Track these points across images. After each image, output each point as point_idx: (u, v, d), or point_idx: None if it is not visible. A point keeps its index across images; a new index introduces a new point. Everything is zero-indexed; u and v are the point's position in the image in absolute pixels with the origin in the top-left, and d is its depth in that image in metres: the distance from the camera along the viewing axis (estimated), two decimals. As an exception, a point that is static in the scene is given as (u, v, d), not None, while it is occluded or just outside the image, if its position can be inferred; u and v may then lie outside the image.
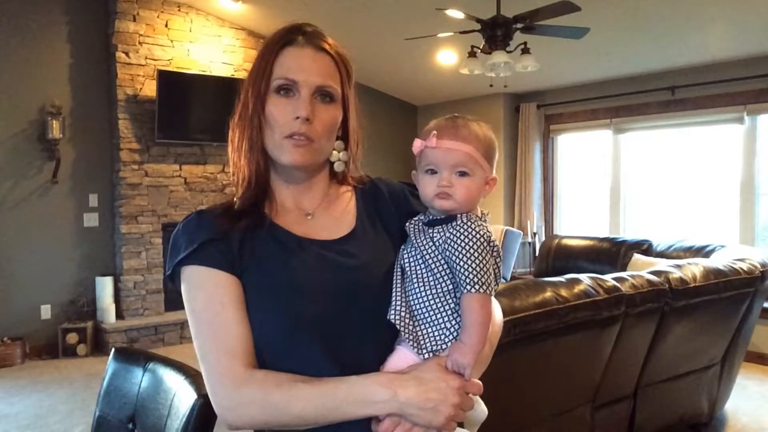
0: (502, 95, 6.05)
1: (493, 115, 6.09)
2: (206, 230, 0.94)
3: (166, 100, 4.90)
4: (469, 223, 0.93)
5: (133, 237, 5.01)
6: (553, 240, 4.78)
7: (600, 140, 5.75)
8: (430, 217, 0.99)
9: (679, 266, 2.65)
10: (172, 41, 5.11)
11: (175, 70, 5.06)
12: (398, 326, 0.91)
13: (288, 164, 0.97)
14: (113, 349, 1.51)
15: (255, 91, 0.96)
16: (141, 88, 4.97)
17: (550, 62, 4.84)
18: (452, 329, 0.91)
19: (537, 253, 5.31)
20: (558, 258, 4.56)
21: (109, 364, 1.46)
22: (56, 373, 4.32)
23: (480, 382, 0.91)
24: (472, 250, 0.90)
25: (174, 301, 5.05)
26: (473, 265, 0.89)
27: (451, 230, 0.93)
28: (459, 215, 0.95)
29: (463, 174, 0.95)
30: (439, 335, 0.91)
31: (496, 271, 0.94)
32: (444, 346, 0.91)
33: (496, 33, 3.53)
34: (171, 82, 4.95)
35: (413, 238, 0.97)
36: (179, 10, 5.13)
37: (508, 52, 3.59)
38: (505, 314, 1.77)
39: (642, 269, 2.71)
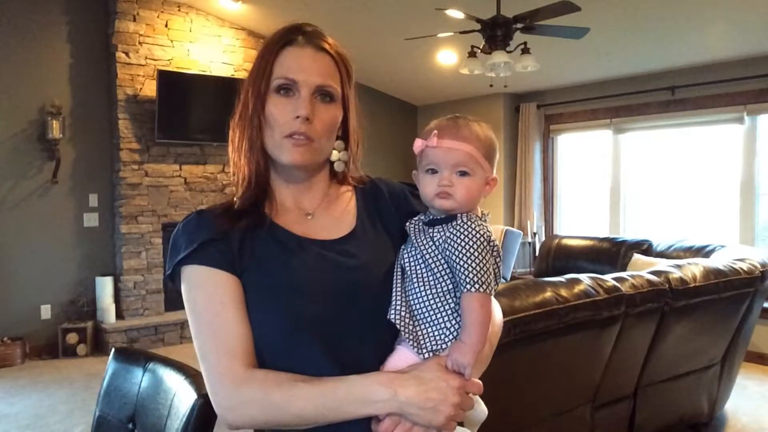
0: (502, 95, 6.05)
1: (493, 115, 6.09)
2: (206, 230, 0.94)
3: (166, 100, 4.90)
4: (469, 223, 0.93)
5: (133, 237, 5.01)
6: (553, 240, 4.78)
7: (600, 140, 5.75)
8: (431, 216, 0.99)
9: (679, 266, 2.65)
10: (172, 41, 5.11)
11: (175, 70, 5.06)
12: (398, 326, 0.91)
13: (288, 164, 0.97)
14: (113, 349, 1.51)
15: (255, 91, 0.96)
16: (141, 88, 4.97)
17: (550, 62, 4.85)
18: (452, 329, 0.91)
19: (537, 253, 5.31)
20: (558, 258, 4.56)
21: (109, 364, 1.46)
22: (56, 373, 4.32)
23: (480, 382, 0.91)
24: (472, 250, 0.90)
25: (174, 301, 5.05)
26: (473, 265, 0.89)
27: (451, 230, 0.93)
28: (459, 215, 0.95)
29: (463, 174, 0.95)
30: (439, 335, 0.91)
31: (496, 270, 0.94)
32: (444, 346, 0.91)
33: (496, 33, 3.53)
34: (171, 82, 4.95)
35: (413, 237, 0.98)
36: (179, 10, 5.13)
37: (508, 52, 3.59)
38: (505, 314, 1.77)
39: (642, 269, 2.71)
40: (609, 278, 2.30)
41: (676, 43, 4.54)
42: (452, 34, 3.95)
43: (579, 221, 6.06)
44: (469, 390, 0.89)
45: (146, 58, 4.98)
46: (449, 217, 0.95)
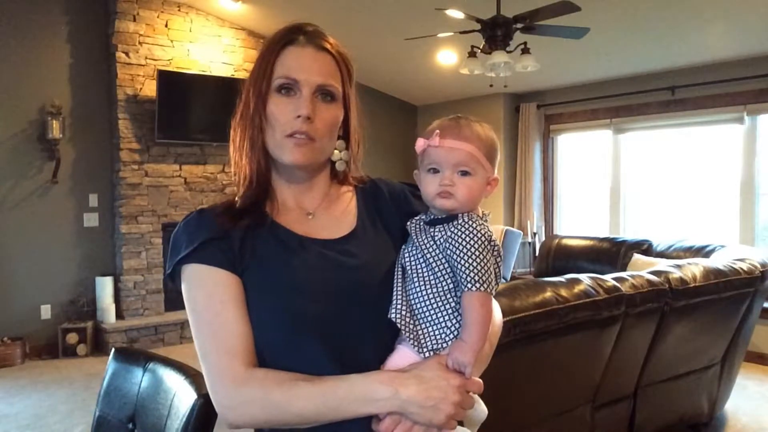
0: (502, 95, 6.05)
1: (493, 115, 6.09)
2: (207, 229, 0.94)
3: (166, 100, 4.90)
4: (470, 222, 0.93)
5: (133, 237, 5.01)
6: (553, 240, 4.78)
7: (600, 140, 5.75)
8: (432, 216, 0.99)
9: (679, 266, 2.65)
10: (172, 41, 5.11)
11: (175, 70, 5.06)
12: (399, 325, 0.91)
13: (289, 163, 0.97)
14: (113, 349, 1.51)
15: (256, 91, 0.96)
16: (141, 88, 4.97)
17: (550, 62, 4.85)
18: (453, 328, 0.91)
19: (537, 253, 5.31)
20: (558, 258, 4.56)
21: (109, 364, 1.46)
22: (56, 373, 4.32)
23: (480, 381, 0.92)
24: (473, 249, 0.90)
25: (174, 301, 5.06)
26: (474, 264, 0.90)
27: (452, 229, 0.93)
28: (460, 214, 0.95)
29: (465, 173, 0.96)
30: (440, 334, 0.91)
31: (497, 270, 0.94)
32: (444, 345, 0.91)
33: (496, 33, 3.53)
34: (171, 82, 4.95)
35: (414, 237, 0.98)
36: (179, 10, 5.13)
37: (508, 52, 3.59)
38: (505, 314, 1.77)
39: (642, 269, 2.71)
40: (609, 278, 2.30)
41: (676, 43, 4.54)
42: (452, 34, 3.96)
43: (579, 221, 6.06)
44: (469, 389, 0.89)
45: (146, 58, 4.98)
46: (450, 217, 0.96)
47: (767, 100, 4.52)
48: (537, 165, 6.04)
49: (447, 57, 5.31)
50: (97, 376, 4.07)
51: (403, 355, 0.92)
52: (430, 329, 0.92)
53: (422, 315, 0.92)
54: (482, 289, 0.89)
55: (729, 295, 2.70)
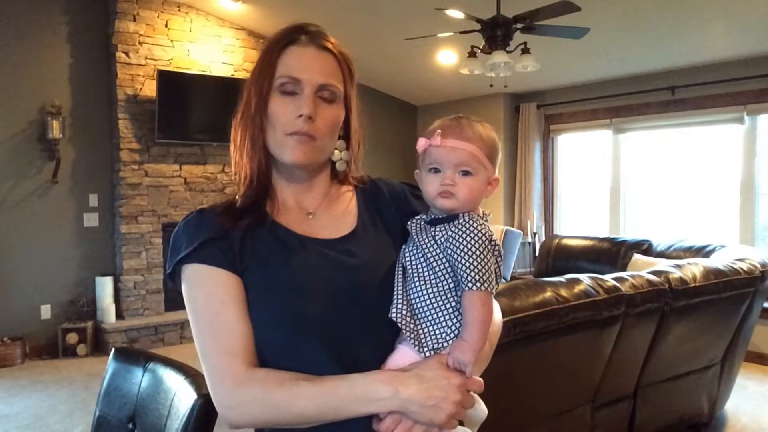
0: (502, 95, 6.05)
1: (493, 115, 6.09)
2: (207, 229, 0.94)
3: (166, 100, 4.90)
4: (471, 222, 0.93)
5: (133, 237, 5.01)
6: (553, 240, 4.78)
7: (600, 140, 5.75)
8: (432, 215, 0.99)
9: (679, 266, 2.65)
10: (172, 41, 5.11)
11: (175, 70, 5.06)
12: (399, 324, 0.91)
13: (290, 163, 0.97)
14: (113, 349, 1.51)
15: (258, 90, 0.96)
16: (141, 88, 4.97)
17: (550, 62, 4.85)
18: (453, 327, 0.91)
19: (537, 253, 5.31)
20: (558, 258, 4.56)
21: (109, 364, 1.45)
22: (56, 373, 4.31)
23: (481, 380, 0.92)
24: (474, 248, 0.91)
25: (174, 301, 5.06)
26: (475, 263, 0.90)
27: (453, 228, 0.94)
28: (461, 214, 0.95)
29: (466, 173, 0.96)
30: (440, 333, 0.91)
31: (497, 270, 0.94)
32: (445, 344, 0.91)
33: (496, 33, 3.53)
34: (171, 82, 4.95)
35: (415, 236, 0.98)
36: (179, 10, 5.13)
37: (508, 52, 3.59)
38: (505, 314, 1.77)
39: (642, 269, 2.71)
40: (609, 278, 2.30)
41: (676, 43, 4.54)
42: (452, 34, 3.95)
43: (579, 221, 6.06)
44: (470, 388, 0.89)
45: (146, 58, 4.98)
46: (451, 217, 0.96)
47: (767, 100, 4.52)
48: (537, 165, 6.04)
49: (447, 57, 5.31)
50: (97, 376, 4.07)
51: (403, 354, 0.92)
52: (430, 328, 0.92)
53: (423, 314, 0.92)
54: (483, 288, 0.89)
55: (729, 295, 2.70)
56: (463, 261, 0.90)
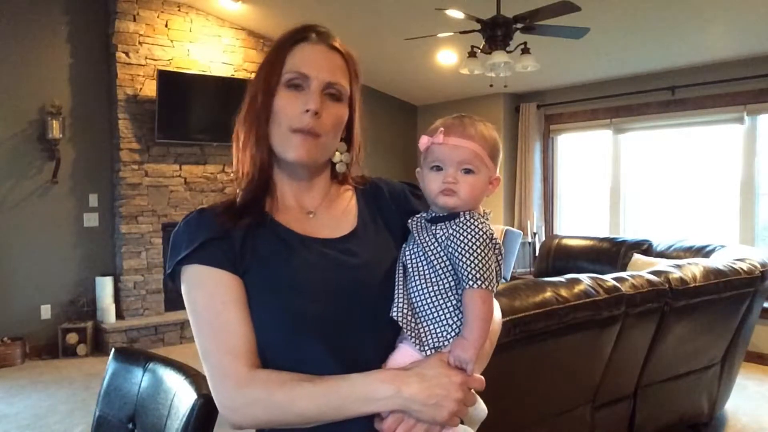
0: (502, 95, 6.05)
1: (493, 115, 6.09)
2: (207, 229, 0.94)
3: (166, 100, 4.90)
4: (472, 220, 0.94)
5: (133, 237, 5.01)
6: (553, 240, 4.78)
7: (600, 140, 5.75)
8: (433, 214, 0.99)
9: (679, 266, 2.65)
10: (172, 41, 5.11)
11: (175, 70, 5.06)
12: (400, 323, 0.91)
13: (293, 160, 0.97)
14: (113, 349, 1.51)
15: (265, 86, 0.97)
16: (141, 88, 4.97)
17: (550, 62, 4.85)
18: (454, 325, 0.91)
19: (537, 253, 5.31)
20: (558, 258, 4.56)
21: (109, 364, 1.45)
22: (56, 373, 4.31)
23: (482, 377, 0.92)
24: (474, 246, 0.91)
25: (174, 301, 5.05)
26: (476, 261, 0.90)
27: (454, 227, 0.94)
28: (462, 213, 0.95)
29: (468, 171, 0.96)
30: (441, 331, 0.91)
31: (498, 268, 0.95)
32: (446, 343, 0.91)
33: (496, 33, 3.53)
34: (171, 82, 4.95)
35: (416, 235, 0.98)
36: (179, 10, 5.13)
37: (508, 52, 3.59)
38: (505, 314, 1.77)
39: (642, 269, 2.71)
40: (609, 278, 2.30)
41: (676, 43, 4.54)
42: (452, 34, 3.95)
43: (579, 221, 6.06)
44: (471, 385, 0.89)
45: (146, 58, 4.98)
46: (452, 215, 0.96)
47: (767, 100, 4.52)
48: (537, 165, 6.03)
49: (447, 57, 5.31)
50: (97, 376, 4.07)
51: (404, 353, 0.92)
52: (431, 327, 0.92)
53: (423, 313, 0.93)
54: (484, 286, 0.90)
55: (729, 295, 2.70)
56: (464, 259, 0.90)
